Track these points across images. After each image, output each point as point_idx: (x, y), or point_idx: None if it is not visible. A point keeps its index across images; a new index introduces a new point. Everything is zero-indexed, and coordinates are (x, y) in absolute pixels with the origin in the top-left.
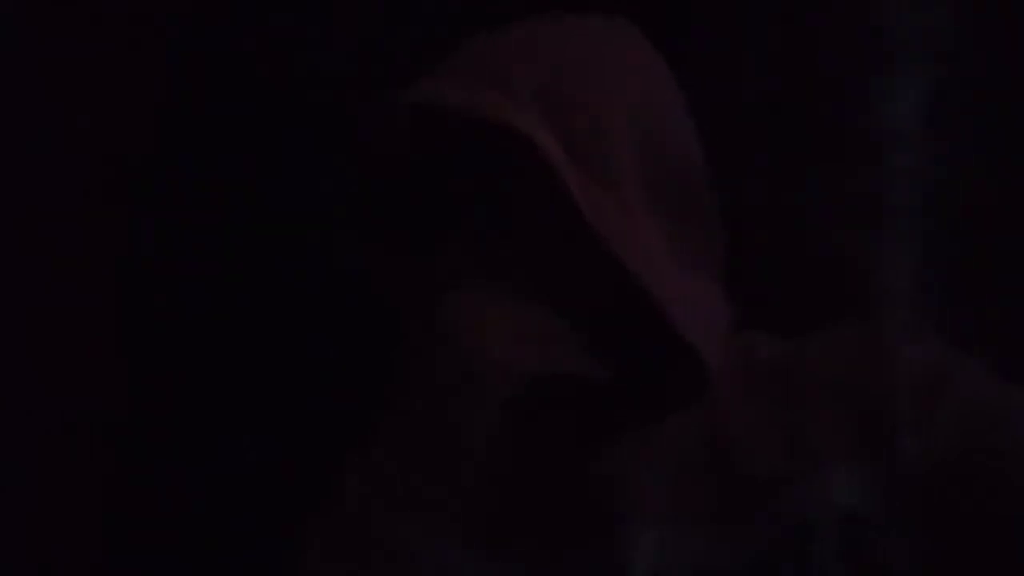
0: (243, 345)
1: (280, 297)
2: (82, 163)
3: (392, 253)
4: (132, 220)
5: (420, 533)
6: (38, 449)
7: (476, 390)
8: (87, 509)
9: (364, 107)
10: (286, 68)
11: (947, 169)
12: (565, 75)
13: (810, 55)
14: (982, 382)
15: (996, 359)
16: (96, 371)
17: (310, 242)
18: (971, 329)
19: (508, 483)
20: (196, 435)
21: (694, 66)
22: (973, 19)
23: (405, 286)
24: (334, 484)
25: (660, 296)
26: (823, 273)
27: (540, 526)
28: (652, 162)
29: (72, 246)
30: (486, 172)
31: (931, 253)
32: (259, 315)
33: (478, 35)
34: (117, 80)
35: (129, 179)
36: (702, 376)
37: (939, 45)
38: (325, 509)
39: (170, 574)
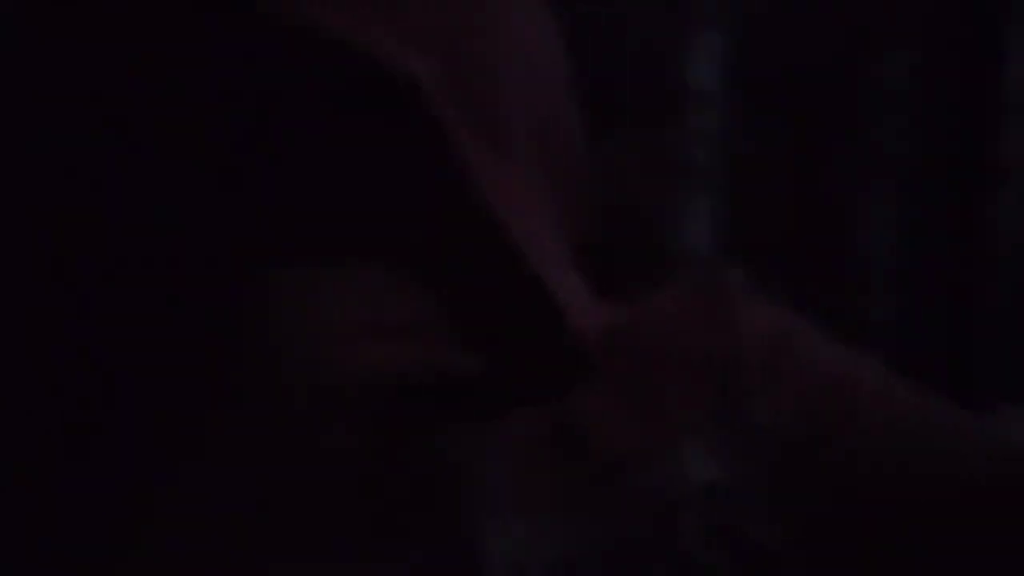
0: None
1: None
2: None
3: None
4: None
5: (254, 556)
6: None
7: (326, 400)
8: None
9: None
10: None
11: (754, 129)
12: (473, 27)
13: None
14: (820, 345)
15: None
16: None
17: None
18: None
19: (353, 488)
20: None
21: None
22: None
23: (234, 252)
24: (144, 498)
25: (550, 284)
26: (635, 234)
27: (382, 526)
28: (542, 133)
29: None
30: (344, 116)
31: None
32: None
33: None
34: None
35: None
36: (582, 366)
37: (739, 6)
38: (136, 528)
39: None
